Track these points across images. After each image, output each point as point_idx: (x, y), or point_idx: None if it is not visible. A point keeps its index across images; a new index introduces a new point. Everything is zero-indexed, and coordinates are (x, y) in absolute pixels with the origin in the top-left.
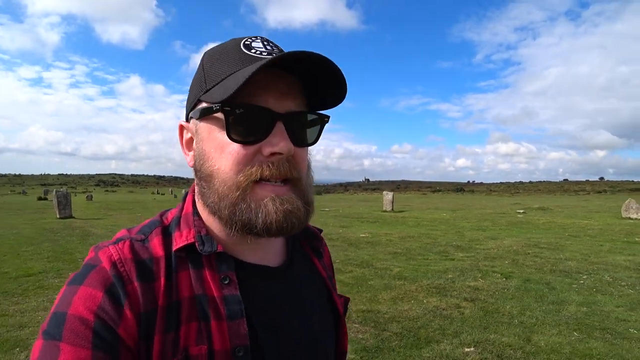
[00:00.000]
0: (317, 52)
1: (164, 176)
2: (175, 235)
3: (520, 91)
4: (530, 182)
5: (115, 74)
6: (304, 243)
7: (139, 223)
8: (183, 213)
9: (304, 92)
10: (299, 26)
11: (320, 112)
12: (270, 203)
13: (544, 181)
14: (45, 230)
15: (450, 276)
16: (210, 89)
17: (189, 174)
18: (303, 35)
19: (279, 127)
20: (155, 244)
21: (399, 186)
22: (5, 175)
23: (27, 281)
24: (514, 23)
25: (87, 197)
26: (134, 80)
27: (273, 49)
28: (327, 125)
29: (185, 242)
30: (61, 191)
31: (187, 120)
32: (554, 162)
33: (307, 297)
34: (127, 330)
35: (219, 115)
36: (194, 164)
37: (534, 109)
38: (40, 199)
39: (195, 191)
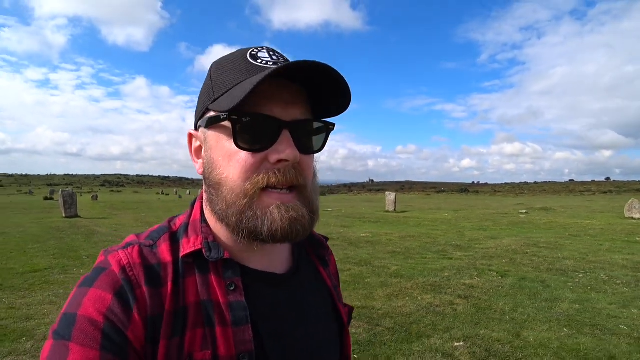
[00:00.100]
0: (321, 60)
1: (168, 177)
2: (183, 241)
3: (525, 91)
4: (536, 183)
5: (121, 75)
6: (310, 250)
7: (144, 223)
8: (191, 220)
9: (309, 101)
10: (304, 27)
11: (326, 119)
12: (276, 211)
13: (549, 182)
14: (51, 228)
15: (446, 274)
16: (217, 98)
17: (194, 174)
18: (308, 36)
19: (285, 134)
20: (164, 250)
21: (403, 187)
22: (12, 176)
23: (34, 277)
24: (519, 23)
25: (92, 197)
26: (140, 82)
27: (279, 59)
28: None
29: (193, 249)
30: (67, 191)
31: (196, 128)
32: (559, 163)
33: (312, 305)
34: (135, 333)
35: (227, 123)
36: (203, 171)
37: (539, 108)
38: (46, 198)
39: (204, 198)
